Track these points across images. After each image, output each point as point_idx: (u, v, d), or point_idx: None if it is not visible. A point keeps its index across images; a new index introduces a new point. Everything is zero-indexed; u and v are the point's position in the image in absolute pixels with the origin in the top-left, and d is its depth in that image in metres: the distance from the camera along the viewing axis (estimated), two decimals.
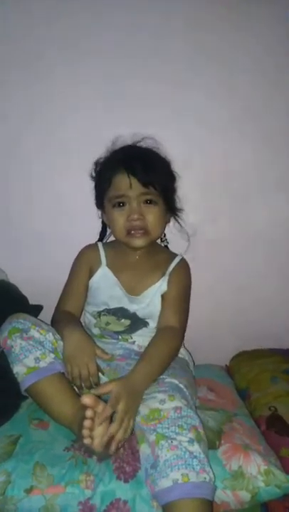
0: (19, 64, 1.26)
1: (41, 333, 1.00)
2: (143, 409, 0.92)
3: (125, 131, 1.22)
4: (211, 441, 0.93)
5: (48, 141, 1.30)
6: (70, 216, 1.35)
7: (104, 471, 0.87)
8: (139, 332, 1.18)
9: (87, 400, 0.83)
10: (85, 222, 1.30)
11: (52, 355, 0.98)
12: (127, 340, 1.18)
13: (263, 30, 1.29)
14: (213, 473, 0.83)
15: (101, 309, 1.18)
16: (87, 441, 0.83)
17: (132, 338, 1.18)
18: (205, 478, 0.79)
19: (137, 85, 1.28)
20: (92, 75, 1.27)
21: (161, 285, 1.18)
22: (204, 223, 1.32)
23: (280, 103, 1.33)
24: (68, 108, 1.28)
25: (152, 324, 1.17)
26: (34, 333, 0.99)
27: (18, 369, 0.96)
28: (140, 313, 1.16)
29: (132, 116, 1.28)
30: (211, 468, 0.83)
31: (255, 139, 1.34)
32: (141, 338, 1.17)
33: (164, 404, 0.90)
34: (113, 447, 0.86)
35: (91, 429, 0.83)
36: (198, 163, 1.32)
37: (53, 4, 1.23)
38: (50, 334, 1.01)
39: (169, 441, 0.83)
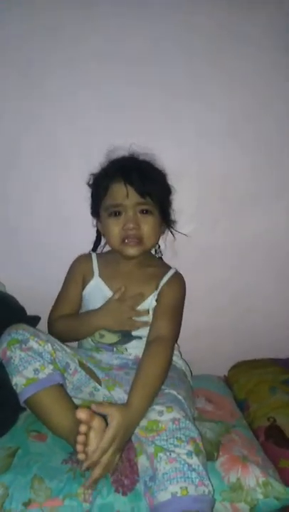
0: (16, 71, 1.27)
1: (40, 344, 0.99)
2: (142, 421, 0.92)
3: (122, 139, 1.23)
4: (209, 452, 0.92)
5: (45, 149, 1.31)
6: (69, 225, 1.35)
7: (103, 484, 0.87)
8: (134, 343, 1.17)
9: (82, 414, 0.82)
10: (84, 232, 1.30)
11: (51, 367, 0.97)
12: (122, 352, 1.18)
13: (262, 38, 1.30)
14: (212, 486, 0.82)
15: None
16: (80, 456, 0.82)
17: (127, 350, 1.18)
18: (204, 491, 0.79)
19: (134, 93, 1.29)
20: (89, 83, 1.28)
21: (152, 300, 1.18)
22: (202, 231, 1.32)
23: (278, 111, 1.35)
24: (65, 116, 1.29)
25: (144, 338, 1.16)
26: (33, 344, 0.98)
27: (17, 380, 0.95)
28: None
29: (129, 124, 1.29)
30: (210, 480, 0.82)
31: (252, 147, 1.35)
32: (137, 350, 1.16)
33: (162, 416, 0.90)
34: (94, 475, 0.84)
35: (85, 445, 0.82)
36: (195, 171, 1.33)
37: (52, 11, 1.24)
38: (49, 345, 1.01)
39: (168, 453, 0.83)
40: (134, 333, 1.17)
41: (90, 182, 1.23)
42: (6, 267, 1.34)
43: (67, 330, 1.17)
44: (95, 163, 1.24)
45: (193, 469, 0.81)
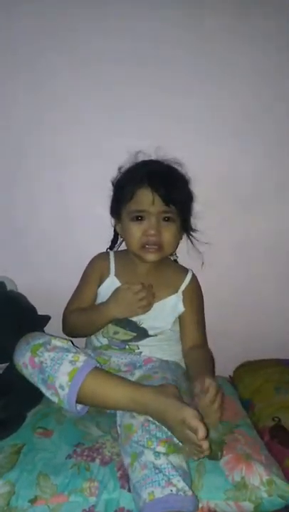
0: (21, 74, 1.29)
1: (62, 343, 0.99)
2: (121, 428, 0.93)
3: (127, 140, 1.25)
4: (213, 452, 0.92)
5: (50, 150, 1.33)
6: (76, 226, 1.37)
7: (109, 478, 0.88)
8: (146, 341, 1.18)
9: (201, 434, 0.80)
10: (92, 231, 1.33)
11: (83, 354, 0.96)
12: (133, 350, 1.19)
13: (264, 38, 1.31)
14: (191, 479, 0.83)
15: None
16: (207, 452, 0.82)
17: (138, 348, 1.18)
18: (171, 490, 0.77)
19: (137, 94, 1.30)
20: (94, 84, 1.30)
21: (176, 304, 1.21)
22: (206, 229, 1.32)
23: (281, 112, 1.35)
24: (71, 117, 1.31)
25: (159, 336, 1.18)
26: (56, 342, 0.98)
27: (61, 380, 0.91)
28: (146, 325, 1.18)
29: (133, 125, 1.30)
30: (187, 475, 0.82)
31: (255, 148, 1.36)
32: (148, 349, 1.18)
33: (134, 419, 0.91)
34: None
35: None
36: (198, 171, 1.32)
37: (55, 14, 1.26)
38: (70, 343, 1.01)
39: (140, 459, 0.83)
40: (150, 332, 1.18)
41: (115, 182, 1.24)
42: (15, 267, 1.35)
43: (81, 321, 1.18)
44: (100, 163, 1.25)
45: (160, 471, 0.79)
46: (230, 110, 1.33)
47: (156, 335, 1.19)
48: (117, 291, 1.15)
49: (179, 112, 1.31)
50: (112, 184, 1.24)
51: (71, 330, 1.14)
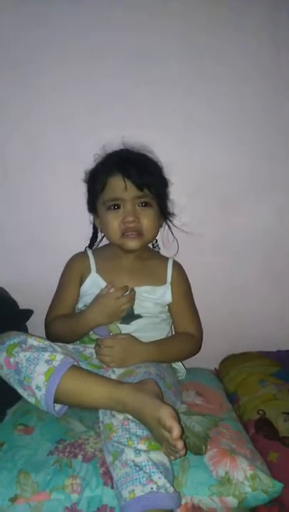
0: (4, 69, 1.26)
1: (39, 341, 0.96)
2: (102, 426, 0.91)
3: (114, 135, 1.22)
4: (198, 447, 0.92)
5: (34, 147, 1.30)
6: (58, 223, 1.35)
7: (92, 475, 0.86)
8: (134, 324, 1.15)
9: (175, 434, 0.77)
10: (74, 229, 1.31)
11: (60, 353, 0.93)
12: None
13: (262, 34, 1.30)
14: (173, 475, 0.82)
15: None
16: (182, 453, 0.79)
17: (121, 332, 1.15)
18: (152, 487, 0.76)
19: (127, 88, 1.29)
20: (79, 77, 1.27)
21: (163, 294, 1.19)
22: (189, 226, 1.31)
23: (274, 106, 1.35)
24: (55, 114, 1.28)
25: (146, 319, 1.16)
26: (32, 341, 0.95)
27: (37, 380, 0.88)
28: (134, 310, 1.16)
29: (122, 120, 1.28)
30: (169, 472, 0.81)
31: (247, 145, 1.36)
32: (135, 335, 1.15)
33: (114, 418, 0.89)
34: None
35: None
36: (188, 166, 1.33)
37: (41, 7, 1.22)
38: (47, 341, 0.98)
39: (120, 458, 0.81)
40: (136, 312, 1.15)
41: (87, 176, 1.22)
42: None
43: (63, 330, 1.14)
44: (85, 161, 1.23)
45: (140, 468, 0.78)
46: (214, 107, 1.32)
47: (140, 316, 1.16)
48: (96, 298, 1.12)
49: (163, 107, 1.30)
50: (84, 180, 1.22)
51: (54, 339, 1.08)
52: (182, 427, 0.80)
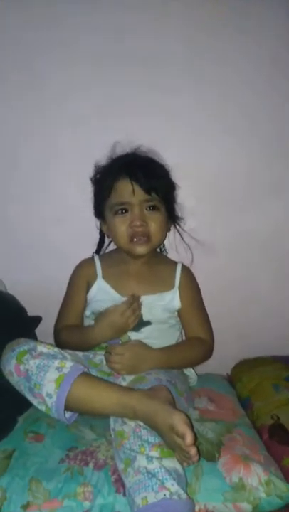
0: (16, 73, 1.27)
1: (48, 348, 0.96)
2: (114, 433, 0.91)
3: (121, 138, 1.22)
4: (210, 453, 0.91)
5: (45, 149, 1.31)
6: (69, 226, 1.34)
7: (103, 483, 0.85)
8: (143, 331, 1.14)
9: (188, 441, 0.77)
10: (84, 232, 1.30)
11: (70, 360, 0.93)
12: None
13: (261, 35, 1.29)
14: (186, 482, 0.81)
15: None
16: (195, 459, 0.79)
17: (130, 340, 1.14)
18: (165, 494, 0.75)
19: (132, 92, 1.29)
20: (89, 82, 1.28)
21: (171, 300, 1.18)
22: (199, 227, 1.31)
23: (275, 108, 1.34)
24: (66, 116, 1.29)
25: (155, 326, 1.15)
26: (42, 349, 0.95)
27: (47, 388, 0.88)
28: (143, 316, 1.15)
29: (128, 124, 1.27)
30: (181, 478, 0.80)
31: (250, 145, 1.35)
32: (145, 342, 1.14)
33: (125, 425, 0.88)
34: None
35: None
36: (194, 169, 1.31)
37: (47, 11, 1.24)
38: (56, 348, 0.98)
39: (133, 465, 0.80)
40: (144, 318, 1.14)
41: (94, 181, 1.22)
42: (6, 267, 1.33)
43: (70, 342, 1.14)
44: (94, 161, 1.23)
45: (153, 475, 0.77)
46: (223, 107, 1.32)
47: (150, 323, 1.15)
48: (102, 315, 1.11)
49: (171, 109, 1.30)
50: (91, 180, 1.22)
51: (63, 347, 1.06)
52: (195, 434, 0.80)
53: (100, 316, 1.12)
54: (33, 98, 1.28)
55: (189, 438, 0.76)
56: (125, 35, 1.26)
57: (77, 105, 1.28)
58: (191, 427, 0.79)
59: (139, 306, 1.12)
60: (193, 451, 0.77)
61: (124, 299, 1.13)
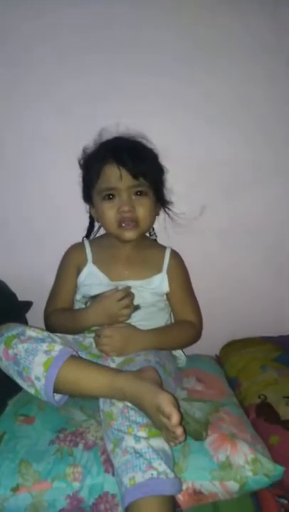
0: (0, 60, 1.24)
1: (37, 332, 0.96)
2: (103, 414, 0.91)
3: (109, 123, 1.21)
4: (198, 432, 0.92)
5: (33, 137, 1.29)
6: (59, 213, 1.34)
7: (93, 463, 0.86)
8: (133, 316, 1.13)
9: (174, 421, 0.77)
10: (75, 219, 1.29)
11: (59, 343, 0.93)
12: None
13: (263, 24, 1.28)
14: (174, 461, 0.82)
15: None
16: (181, 439, 0.80)
17: None
18: (152, 474, 0.76)
19: (124, 77, 1.27)
20: (76, 67, 1.26)
21: (160, 284, 1.18)
22: (189, 214, 1.30)
23: (272, 93, 1.33)
24: (53, 103, 1.27)
25: (144, 309, 1.15)
26: (30, 332, 0.95)
27: (36, 371, 0.88)
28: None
29: (117, 109, 1.26)
30: (169, 458, 0.81)
31: (247, 131, 1.34)
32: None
33: (113, 406, 0.88)
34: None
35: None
36: (189, 154, 1.31)
37: None
38: (46, 332, 0.98)
39: (120, 445, 0.81)
40: (134, 302, 1.13)
41: (81, 165, 1.21)
42: None
43: (60, 325, 1.13)
44: (84, 147, 1.22)
45: (140, 455, 0.78)
46: (213, 96, 1.31)
47: (138, 307, 1.14)
48: (98, 299, 1.11)
49: (161, 94, 1.28)
50: (79, 165, 1.21)
51: (53, 331, 1.06)
52: (181, 414, 0.80)
53: (94, 299, 1.12)
54: (19, 88, 1.26)
55: (175, 418, 0.77)
56: (113, 20, 1.24)
57: (66, 93, 1.26)
58: (178, 407, 0.80)
59: (133, 299, 1.11)
60: (179, 431, 0.77)
61: (113, 283, 1.14)
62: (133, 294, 1.11)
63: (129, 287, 1.12)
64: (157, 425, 0.83)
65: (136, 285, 1.15)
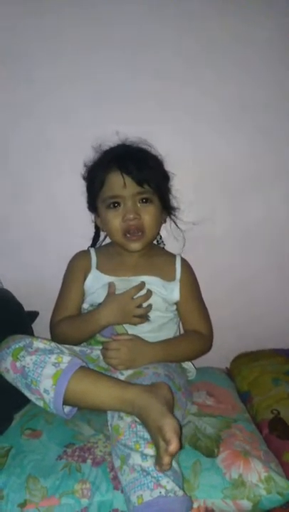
0: (3, 64, 1.24)
1: (45, 343, 0.94)
2: (111, 429, 0.89)
3: (116, 128, 1.20)
4: (209, 449, 0.90)
5: (37, 142, 1.28)
6: (64, 219, 1.33)
7: (101, 479, 0.84)
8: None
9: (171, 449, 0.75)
10: (79, 225, 1.27)
11: (67, 354, 0.92)
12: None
13: (259, 22, 1.26)
14: (182, 479, 0.80)
15: None
16: (165, 468, 0.76)
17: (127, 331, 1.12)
18: (160, 492, 0.74)
19: (127, 81, 1.26)
20: (80, 73, 1.25)
21: (172, 291, 1.16)
22: (199, 220, 1.29)
23: (274, 97, 1.31)
24: (57, 108, 1.26)
25: (153, 318, 1.13)
26: (38, 344, 0.93)
27: (44, 384, 0.87)
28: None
29: (123, 114, 1.26)
30: (177, 475, 0.78)
31: (250, 134, 1.32)
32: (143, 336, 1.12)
33: (121, 420, 0.86)
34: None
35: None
36: (192, 159, 1.30)
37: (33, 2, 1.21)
38: (53, 343, 0.96)
39: (128, 462, 0.79)
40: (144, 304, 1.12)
41: (85, 175, 1.20)
42: (1, 263, 1.31)
43: (71, 331, 1.11)
44: (89, 155, 1.21)
45: (148, 473, 0.76)
46: (218, 98, 1.29)
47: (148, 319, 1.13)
48: (111, 296, 1.10)
49: (165, 98, 1.27)
50: (83, 177, 1.20)
51: (60, 341, 1.04)
52: (181, 444, 0.79)
53: (107, 298, 1.10)
54: (22, 90, 1.25)
55: (173, 447, 0.74)
56: (122, 23, 1.23)
57: (69, 96, 1.25)
58: (180, 436, 0.78)
59: (149, 297, 1.10)
60: (166, 459, 0.75)
61: (121, 278, 1.14)
62: (150, 291, 1.10)
63: (143, 283, 1.10)
64: (154, 443, 0.80)
65: (149, 281, 1.13)
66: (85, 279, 1.18)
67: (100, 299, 1.12)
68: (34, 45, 1.23)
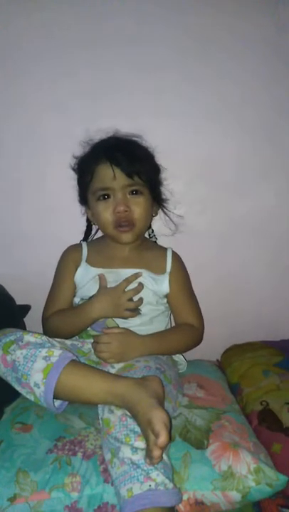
0: None
1: (36, 337, 0.94)
2: (101, 423, 0.89)
3: (111, 123, 1.19)
4: (199, 441, 0.90)
5: (29, 137, 1.27)
6: (55, 212, 1.32)
7: (92, 472, 0.84)
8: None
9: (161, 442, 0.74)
10: (71, 221, 1.27)
11: (58, 348, 0.91)
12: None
13: (262, 17, 1.27)
14: (172, 471, 0.80)
15: None
16: (156, 461, 0.76)
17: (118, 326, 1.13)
18: (150, 485, 0.74)
19: (118, 75, 1.25)
20: (71, 66, 1.24)
21: (162, 283, 1.16)
22: (189, 214, 1.30)
23: (263, 94, 1.31)
24: (49, 103, 1.25)
25: (144, 311, 1.13)
26: (29, 338, 0.93)
27: (35, 378, 0.87)
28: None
29: (115, 108, 1.25)
30: (167, 468, 0.79)
31: (238, 129, 1.32)
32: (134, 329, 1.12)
33: (112, 414, 0.86)
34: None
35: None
36: (182, 153, 1.29)
37: None
38: (44, 337, 0.96)
39: (118, 456, 0.79)
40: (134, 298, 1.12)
41: (75, 167, 1.19)
42: None
43: (62, 324, 1.11)
44: (80, 148, 1.20)
45: (138, 466, 0.76)
46: (210, 94, 1.29)
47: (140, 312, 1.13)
48: (103, 289, 1.10)
49: (158, 92, 1.27)
50: (72, 169, 1.20)
51: (52, 335, 1.05)
52: (170, 437, 0.78)
53: (98, 291, 1.10)
54: (17, 85, 1.24)
55: (162, 439, 0.74)
56: (119, 19, 1.22)
57: (64, 91, 1.24)
58: (169, 429, 0.78)
59: (140, 290, 1.10)
60: (156, 453, 0.74)
61: (112, 269, 1.14)
62: (141, 284, 1.10)
63: (136, 274, 1.10)
64: (144, 436, 0.80)
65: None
66: (75, 272, 1.17)
67: (91, 293, 1.12)
68: (27, 39, 1.22)
